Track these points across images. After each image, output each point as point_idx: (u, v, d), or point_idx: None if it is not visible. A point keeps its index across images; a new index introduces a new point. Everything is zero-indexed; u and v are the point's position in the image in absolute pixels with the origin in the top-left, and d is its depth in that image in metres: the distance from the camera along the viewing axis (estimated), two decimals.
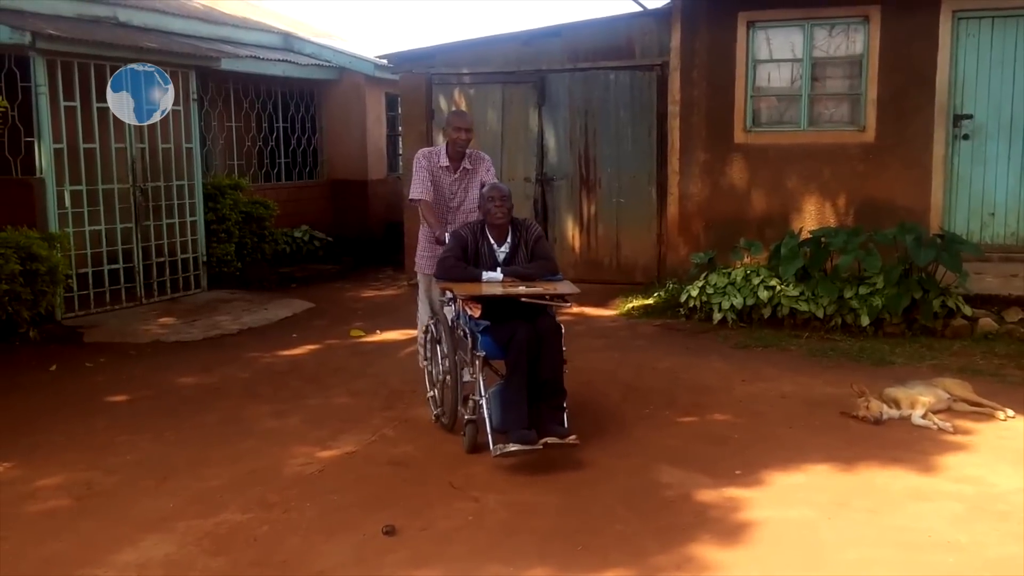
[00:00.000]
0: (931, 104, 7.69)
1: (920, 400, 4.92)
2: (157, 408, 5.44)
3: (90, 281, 7.95)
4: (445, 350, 4.76)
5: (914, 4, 7.67)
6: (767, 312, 7.13)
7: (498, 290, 4.51)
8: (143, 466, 4.45)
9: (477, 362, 4.42)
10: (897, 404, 4.94)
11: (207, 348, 7.04)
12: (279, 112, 11.26)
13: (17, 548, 3.57)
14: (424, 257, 5.45)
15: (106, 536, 3.65)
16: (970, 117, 7.72)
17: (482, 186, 5.07)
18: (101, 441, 4.82)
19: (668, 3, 8.53)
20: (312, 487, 4.14)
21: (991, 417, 4.93)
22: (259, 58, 10.43)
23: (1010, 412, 4.95)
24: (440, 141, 9.51)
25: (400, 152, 11.74)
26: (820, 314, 6.93)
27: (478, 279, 4.60)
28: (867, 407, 4.87)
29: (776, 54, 8.20)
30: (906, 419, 4.87)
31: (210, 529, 3.70)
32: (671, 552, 3.44)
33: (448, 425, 4.73)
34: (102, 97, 7.87)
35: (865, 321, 6.76)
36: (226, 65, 9.45)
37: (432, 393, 4.98)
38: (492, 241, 4.76)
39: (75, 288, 7.73)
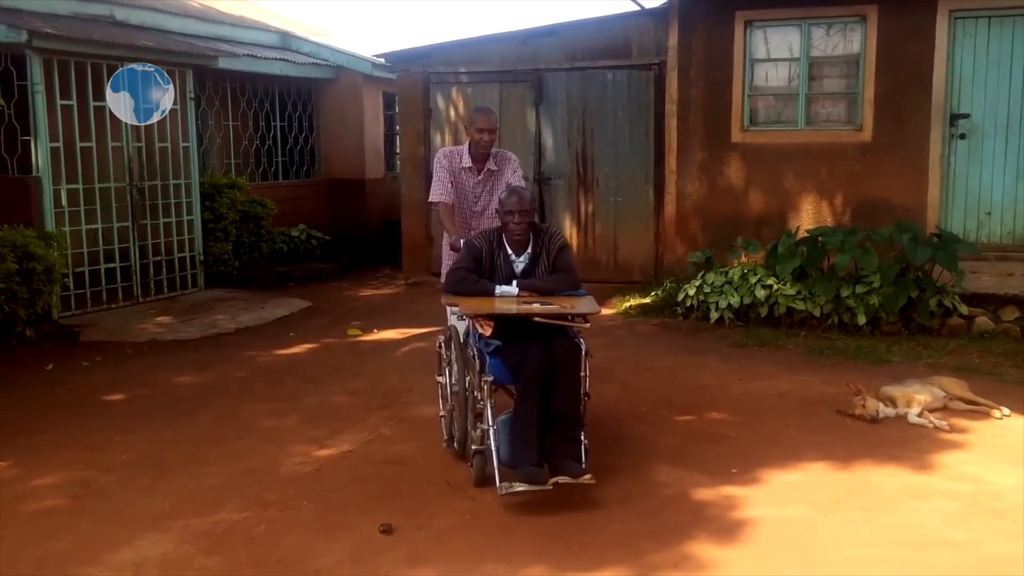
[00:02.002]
0: (928, 103, 7.70)
1: (916, 398, 4.93)
2: (154, 407, 5.44)
3: (87, 280, 7.94)
4: (456, 370, 4.38)
5: (911, 4, 7.68)
6: (764, 311, 7.14)
7: (511, 307, 4.08)
8: (140, 465, 4.44)
9: (485, 387, 3.99)
10: (893, 402, 4.95)
11: (204, 347, 7.04)
12: (276, 111, 11.24)
13: (14, 547, 3.56)
14: (445, 263, 4.97)
15: (103, 535, 3.65)
16: (967, 116, 7.73)
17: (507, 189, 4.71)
18: (98, 440, 4.81)
19: (665, 2, 8.53)
20: (309, 486, 4.14)
21: (987, 415, 4.94)
22: (256, 57, 10.41)
23: (1006, 410, 4.96)
24: (438, 142, 9.56)
25: (397, 151, 11.74)
26: (817, 313, 6.94)
27: (490, 293, 4.21)
28: (863, 405, 4.87)
29: (773, 53, 8.21)
30: (902, 417, 4.88)
31: (207, 528, 3.70)
32: (668, 550, 3.44)
33: (459, 452, 4.36)
34: (99, 96, 7.87)
35: (862, 320, 6.77)
36: (223, 64, 9.44)
37: (443, 413, 4.61)
38: (510, 251, 4.33)
39: (71, 287, 7.72)
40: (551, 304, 4.10)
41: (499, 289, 4.22)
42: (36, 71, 7.34)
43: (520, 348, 4.01)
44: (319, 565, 3.38)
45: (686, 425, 4.97)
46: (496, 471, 3.87)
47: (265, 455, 4.55)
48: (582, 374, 4.08)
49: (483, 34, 9.60)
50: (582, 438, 4.00)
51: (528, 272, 4.33)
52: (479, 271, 4.30)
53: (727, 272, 7.45)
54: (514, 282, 4.26)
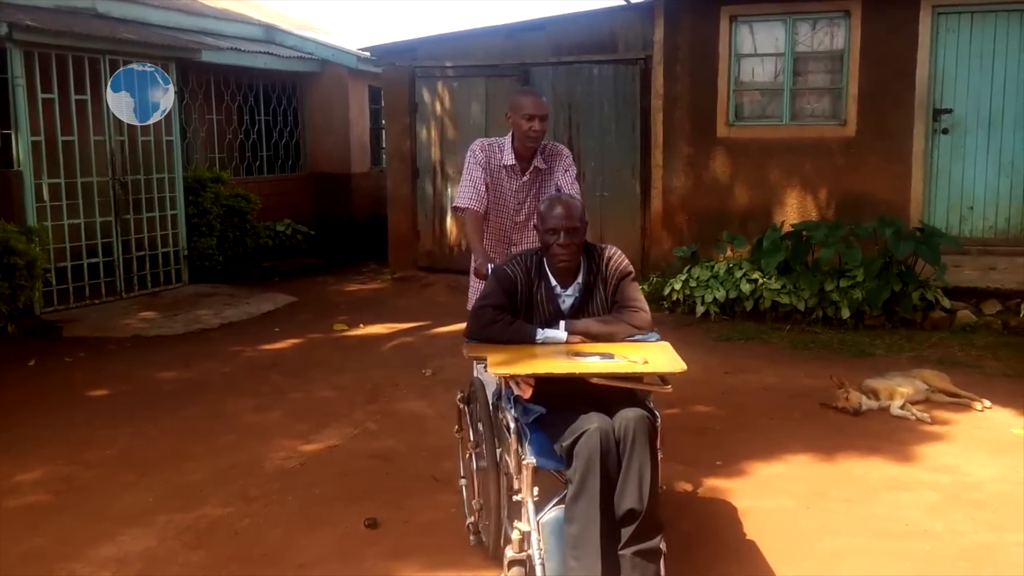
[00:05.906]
0: (911, 99, 7.74)
1: (899, 391, 4.97)
2: (137, 402, 5.41)
3: (69, 275, 7.87)
4: (482, 436, 3.27)
5: None
6: (749, 305, 7.17)
7: (560, 364, 2.90)
8: (123, 460, 4.42)
9: (525, 472, 2.84)
10: (876, 395, 4.99)
11: (188, 342, 7.00)
12: (261, 105, 11.17)
13: None
14: (474, 290, 3.94)
15: (85, 531, 3.63)
16: (949, 111, 7.79)
17: (557, 191, 3.77)
18: (81, 436, 4.79)
19: None
20: (294, 481, 4.13)
21: (968, 408, 4.99)
22: (240, 50, 10.35)
23: (987, 403, 5.01)
24: (424, 136, 9.52)
25: (383, 145, 11.70)
26: (801, 307, 6.98)
27: (530, 340, 3.09)
28: (847, 398, 4.91)
29: (759, 48, 8.23)
30: (885, 410, 4.92)
31: (190, 523, 3.69)
32: None
33: (490, 549, 3.26)
34: (80, 89, 7.80)
35: (846, 313, 6.81)
36: (207, 57, 9.38)
37: (471, 519, 3.47)
38: (553, 281, 3.21)
39: (54, 282, 7.66)
40: (613, 356, 2.96)
41: (541, 334, 3.10)
42: (17, 64, 7.27)
43: (573, 419, 2.87)
44: (303, 559, 3.38)
45: (671, 418, 4.97)
46: None
47: (249, 450, 4.54)
48: (659, 452, 2.92)
49: (469, 28, 9.58)
50: (662, 547, 2.80)
51: (579, 309, 3.22)
52: (513, 309, 3.18)
53: (713, 266, 7.48)
54: (561, 323, 3.15)
